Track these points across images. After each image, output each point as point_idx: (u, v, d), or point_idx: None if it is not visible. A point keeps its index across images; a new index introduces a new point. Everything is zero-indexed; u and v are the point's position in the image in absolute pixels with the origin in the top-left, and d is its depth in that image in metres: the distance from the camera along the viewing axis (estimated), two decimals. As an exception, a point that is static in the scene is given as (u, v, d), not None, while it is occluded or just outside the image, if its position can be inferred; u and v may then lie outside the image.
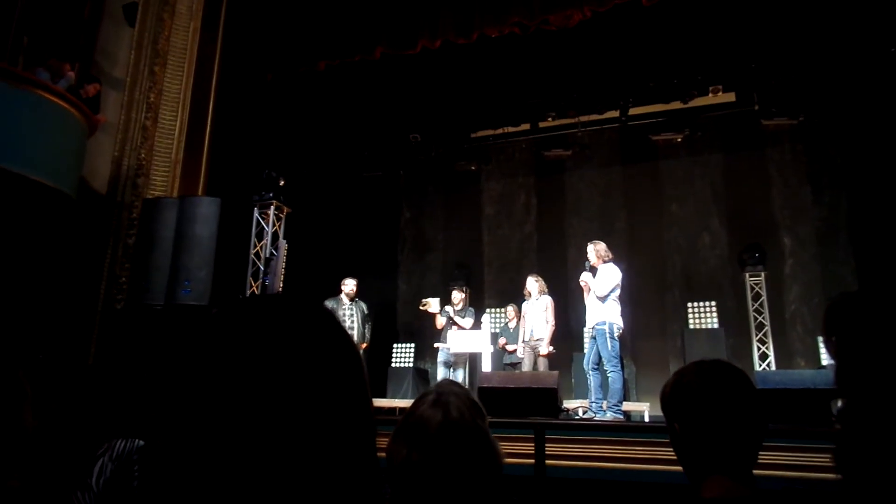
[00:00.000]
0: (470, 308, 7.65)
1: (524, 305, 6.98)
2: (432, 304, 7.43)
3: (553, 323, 6.70)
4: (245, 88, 7.81)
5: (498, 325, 9.75)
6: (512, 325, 7.57)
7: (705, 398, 1.16)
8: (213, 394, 0.53)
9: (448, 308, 7.41)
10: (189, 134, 7.04)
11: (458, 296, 7.64)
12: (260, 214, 7.44)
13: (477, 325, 7.31)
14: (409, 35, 7.40)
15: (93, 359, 5.91)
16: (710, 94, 8.75)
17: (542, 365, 6.61)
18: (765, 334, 8.41)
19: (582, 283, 5.90)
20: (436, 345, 7.53)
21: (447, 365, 7.18)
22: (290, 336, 0.57)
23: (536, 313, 6.76)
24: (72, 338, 5.86)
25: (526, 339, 6.78)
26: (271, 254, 7.19)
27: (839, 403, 1.16)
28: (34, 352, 5.00)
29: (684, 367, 1.25)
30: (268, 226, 7.34)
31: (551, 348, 6.67)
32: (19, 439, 1.15)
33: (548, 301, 6.76)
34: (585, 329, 6.03)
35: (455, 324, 7.25)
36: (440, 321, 7.40)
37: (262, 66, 8.01)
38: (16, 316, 5.16)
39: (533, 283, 6.89)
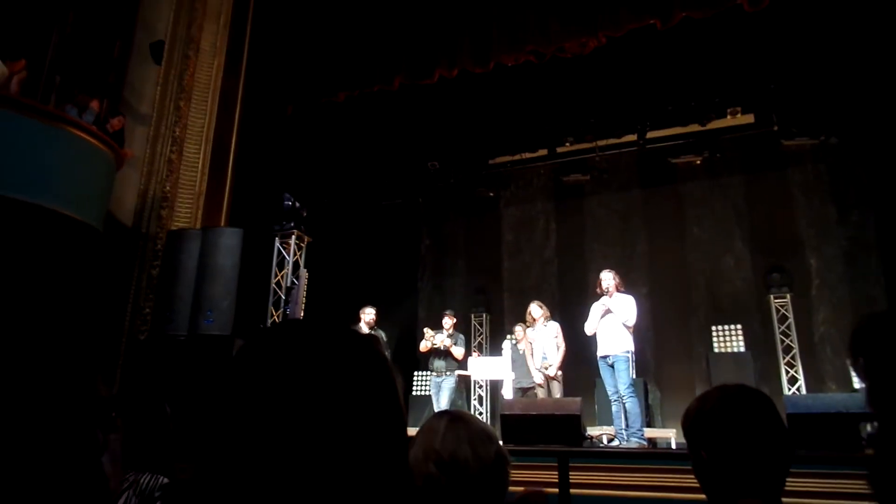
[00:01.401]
0: (460, 335, 7.57)
1: (529, 332, 6.96)
2: (436, 338, 7.36)
3: (564, 347, 6.68)
4: (266, 121, 7.98)
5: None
6: (521, 346, 7.42)
7: (729, 424, 1.14)
8: (249, 423, 0.53)
9: (440, 335, 7.32)
10: (212, 166, 7.20)
11: (449, 322, 7.52)
12: (281, 244, 7.53)
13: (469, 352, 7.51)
14: (427, 65, 7.52)
15: (117, 388, 5.98)
16: (729, 116, 8.73)
17: (557, 389, 6.56)
18: (793, 357, 8.22)
19: (604, 309, 5.83)
20: (458, 372, 7.41)
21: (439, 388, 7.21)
22: (329, 362, 0.56)
23: (546, 339, 6.72)
24: (99, 366, 5.93)
25: (538, 365, 6.72)
26: (292, 283, 7.25)
27: (871, 427, 1.13)
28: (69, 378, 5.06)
29: (707, 392, 1.23)
30: (289, 255, 7.42)
31: (560, 371, 6.64)
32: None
33: (556, 327, 6.76)
34: (599, 356, 5.94)
35: (444, 349, 7.23)
36: (424, 346, 7.34)
37: (282, 99, 8.20)
38: (44, 347, 5.25)
39: (538, 310, 6.86)
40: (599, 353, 5.88)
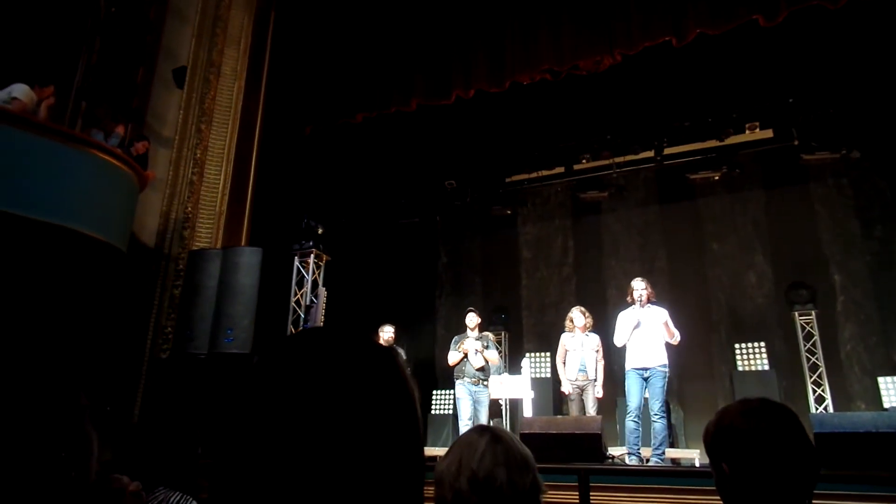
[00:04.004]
0: (487, 335, 6.94)
1: (567, 340, 6.37)
2: (466, 343, 6.66)
3: (604, 362, 6.27)
4: (285, 142, 8.11)
5: (538, 371, 9.60)
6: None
7: (751, 439, 1.10)
8: (262, 434, 0.53)
9: (469, 342, 6.61)
10: (233, 187, 7.33)
11: (475, 319, 6.77)
12: (300, 263, 7.58)
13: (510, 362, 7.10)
14: (444, 86, 7.60)
15: (139, 407, 6.03)
16: (747, 132, 8.67)
17: (593, 408, 6.06)
18: (819, 376, 8.03)
19: (637, 320, 5.50)
20: (492, 393, 6.82)
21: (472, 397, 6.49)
22: (345, 371, 0.56)
23: (587, 351, 6.22)
24: (120, 387, 6.00)
25: (572, 377, 6.19)
26: (311, 301, 7.29)
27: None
28: (99, 403, 5.14)
29: (728, 406, 1.20)
30: (308, 274, 7.47)
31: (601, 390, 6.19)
32: (84, 488, 1.18)
33: (598, 339, 6.30)
34: (630, 367, 5.54)
35: (477, 352, 6.53)
36: (454, 357, 6.64)
37: (301, 120, 8.33)
38: (69, 366, 5.33)
39: (580, 318, 6.31)
40: (633, 365, 5.50)
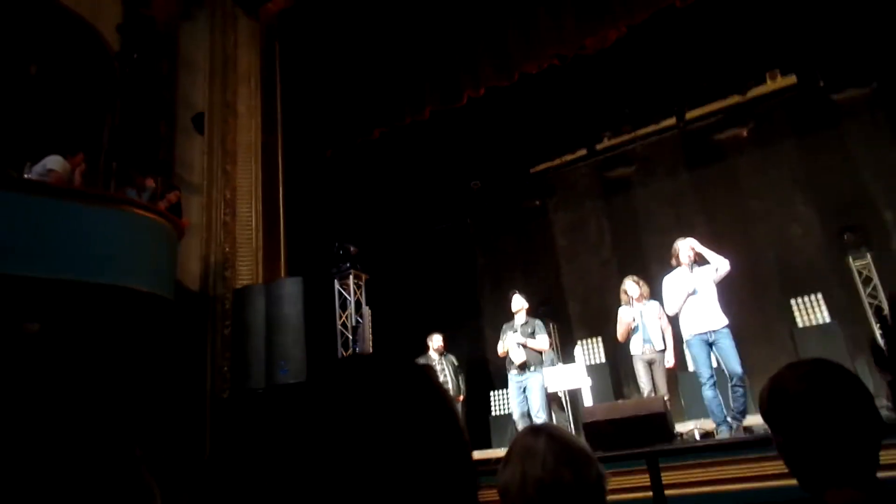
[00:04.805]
0: (536, 321, 6.55)
1: (624, 313, 5.99)
2: (507, 338, 6.45)
3: (670, 329, 5.80)
4: (308, 169, 8.25)
5: (593, 358, 9.49)
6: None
7: (806, 404, 1.06)
8: (317, 461, 0.55)
9: (508, 338, 6.35)
10: (265, 222, 7.49)
11: (519, 301, 6.50)
12: (340, 285, 7.69)
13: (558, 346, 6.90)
14: (454, 89, 7.62)
15: (209, 447, 6.20)
16: (769, 81, 8.43)
17: (664, 382, 5.69)
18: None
19: (688, 282, 5.15)
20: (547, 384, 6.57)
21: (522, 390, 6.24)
22: (384, 398, 0.58)
23: (649, 321, 5.83)
24: (186, 431, 6.18)
25: (637, 351, 5.83)
26: (357, 322, 7.38)
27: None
28: (157, 447, 5.32)
29: (780, 372, 1.15)
30: (349, 295, 7.57)
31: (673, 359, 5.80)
32: None
33: (658, 305, 5.90)
34: (692, 334, 5.18)
35: (524, 346, 6.25)
36: (500, 348, 6.45)
37: (321, 145, 8.46)
38: (133, 413, 5.52)
39: (635, 287, 5.96)
40: (694, 331, 5.13)
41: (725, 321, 5.05)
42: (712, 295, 5.16)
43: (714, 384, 5.02)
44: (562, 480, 1.13)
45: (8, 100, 6.63)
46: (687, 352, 5.67)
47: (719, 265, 5.20)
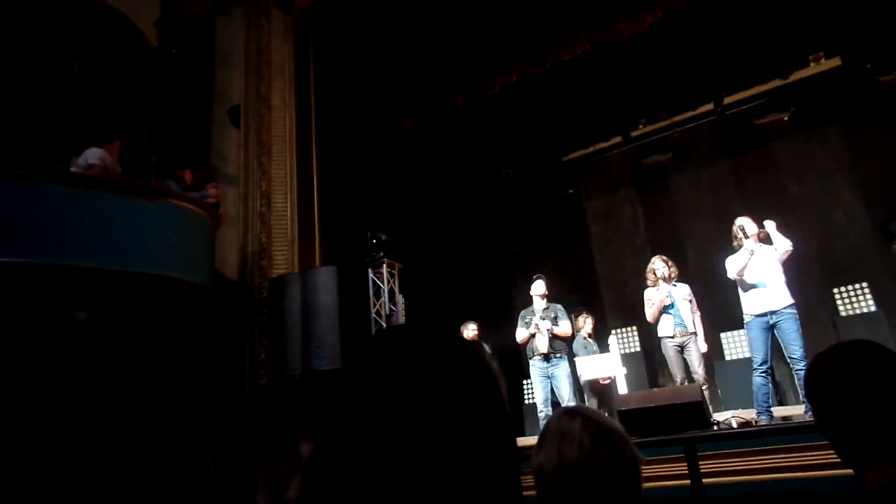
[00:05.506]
0: (557, 306, 6.38)
1: (651, 294, 5.82)
2: (532, 324, 6.25)
3: (699, 312, 5.64)
4: (342, 160, 8.33)
5: (627, 346, 9.39)
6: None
7: (848, 383, 1.06)
8: (361, 433, 0.54)
9: (534, 318, 6.15)
10: (300, 212, 7.61)
11: (540, 286, 6.26)
12: (374, 274, 7.76)
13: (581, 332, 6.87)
14: (486, 77, 7.58)
15: (248, 429, 6.37)
16: (812, 64, 8.15)
17: (699, 366, 5.48)
18: (935, 309, 7.44)
19: (751, 258, 4.94)
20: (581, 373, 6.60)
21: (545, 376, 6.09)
22: (431, 367, 0.57)
23: (679, 302, 5.64)
24: (226, 415, 6.36)
25: (668, 333, 5.62)
26: (391, 310, 7.45)
27: None
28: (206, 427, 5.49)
29: (822, 352, 1.16)
30: (383, 284, 7.64)
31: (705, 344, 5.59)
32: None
33: (688, 287, 5.78)
34: (751, 316, 4.94)
35: (548, 330, 6.05)
36: (521, 334, 6.25)
37: (353, 137, 8.53)
38: (175, 398, 5.71)
39: (663, 267, 5.75)
40: (754, 311, 4.90)
41: (789, 301, 4.77)
42: (775, 274, 4.91)
43: (766, 372, 4.81)
44: (598, 462, 1.14)
45: (53, 96, 6.86)
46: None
47: (779, 245, 5.01)
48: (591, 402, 7.03)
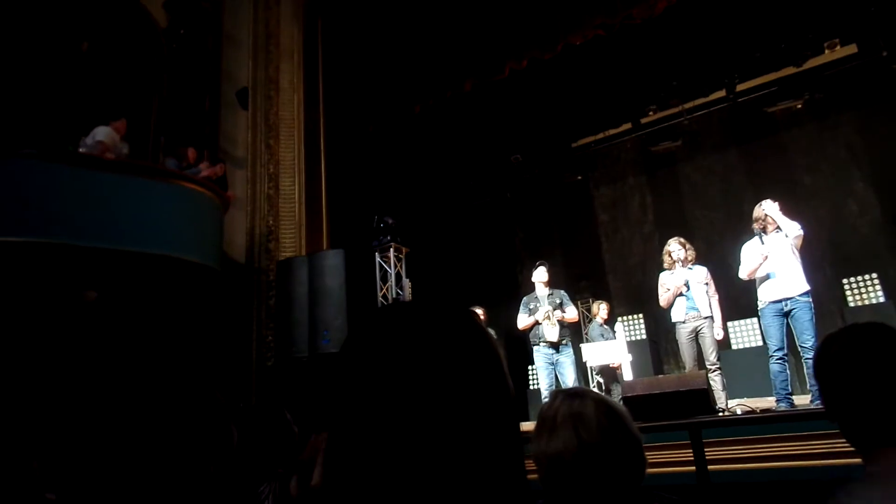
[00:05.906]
0: (560, 292, 6.19)
1: (666, 278, 5.60)
2: (539, 313, 6.08)
3: (717, 296, 5.41)
4: (350, 144, 8.30)
5: (633, 334, 9.38)
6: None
7: (858, 365, 1.05)
8: (364, 406, 0.54)
9: (543, 310, 5.96)
10: (308, 195, 7.60)
11: (543, 273, 6.09)
12: (381, 258, 7.77)
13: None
14: (496, 61, 7.52)
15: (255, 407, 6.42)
16: (827, 51, 8.03)
17: (713, 353, 5.26)
18: (945, 302, 7.39)
19: (766, 248, 4.83)
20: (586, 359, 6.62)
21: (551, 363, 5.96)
22: (425, 337, 0.57)
23: (694, 286, 5.41)
24: (233, 395, 6.41)
25: (681, 318, 5.41)
26: (397, 294, 7.46)
27: None
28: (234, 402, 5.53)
29: (832, 334, 1.14)
30: (390, 268, 7.64)
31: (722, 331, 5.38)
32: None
33: (706, 270, 5.52)
34: (765, 303, 4.85)
35: (549, 319, 5.88)
36: (524, 321, 6.06)
37: (362, 121, 8.49)
38: (182, 377, 5.75)
39: (680, 250, 5.54)
40: (769, 298, 4.78)
41: (805, 287, 4.66)
42: (789, 261, 4.80)
43: (782, 359, 4.69)
44: (616, 441, 1.16)
45: (62, 77, 6.85)
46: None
47: (788, 230, 4.91)
48: (595, 388, 7.03)
